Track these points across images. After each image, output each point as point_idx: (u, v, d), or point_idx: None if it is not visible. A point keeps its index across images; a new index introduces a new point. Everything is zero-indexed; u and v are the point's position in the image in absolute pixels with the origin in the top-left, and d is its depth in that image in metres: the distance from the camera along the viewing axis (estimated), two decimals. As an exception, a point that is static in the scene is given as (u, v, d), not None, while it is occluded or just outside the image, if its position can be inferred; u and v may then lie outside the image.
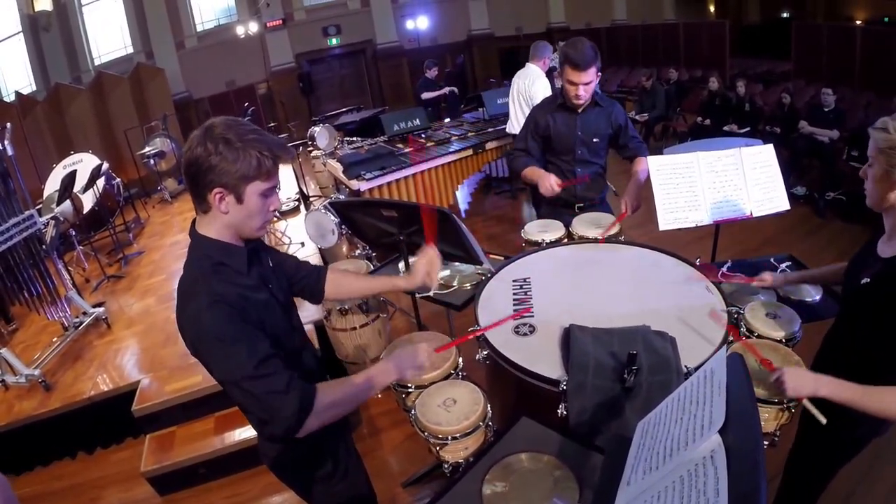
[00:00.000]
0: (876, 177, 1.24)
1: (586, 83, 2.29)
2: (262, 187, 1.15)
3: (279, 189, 1.24)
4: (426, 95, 6.97)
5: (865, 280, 1.30)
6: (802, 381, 1.23)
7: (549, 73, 4.69)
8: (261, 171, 1.13)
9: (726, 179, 2.29)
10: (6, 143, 3.31)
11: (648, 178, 2.28)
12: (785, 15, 11.67)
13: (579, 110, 2.44)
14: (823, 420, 1.24)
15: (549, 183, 2.39)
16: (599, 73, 2.34)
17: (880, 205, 1.27)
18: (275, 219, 1.35)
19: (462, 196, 5.42)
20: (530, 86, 4.25)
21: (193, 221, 1.24)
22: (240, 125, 1.13)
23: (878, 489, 2.18)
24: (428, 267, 1.59)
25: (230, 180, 1.11)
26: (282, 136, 7.39)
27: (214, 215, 1.17)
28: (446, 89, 7.07)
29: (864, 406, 1.18)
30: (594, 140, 2.49)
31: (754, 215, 2.26)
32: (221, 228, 1.19)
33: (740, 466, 0.65)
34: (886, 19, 9.57)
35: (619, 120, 2.51)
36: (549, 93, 4.21)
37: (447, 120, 6.05)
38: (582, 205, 2.59)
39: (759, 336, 1.63)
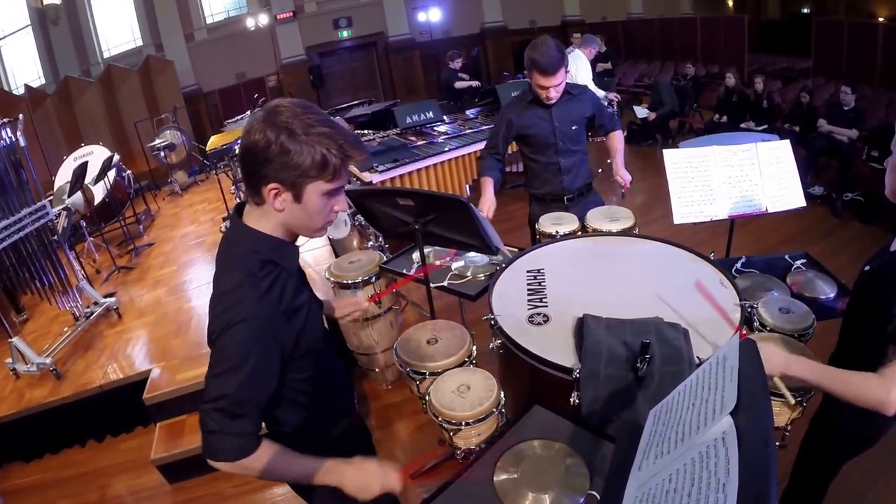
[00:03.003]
0: (892, 165, 1.27)
1: (556, 85, 2.30)
2: (325, 188, 1.02)
3: (346, 188, 1.11)
4: (459, 85, 6.80)
5: (868, 267, 1.31)
6: (772, 358, 1.23)
7: (594, 62, 4.99)
8: (325, 170, 0.99)
9: (742, 174, 2.26)
10: (18, 134, 3.33)
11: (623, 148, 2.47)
12: (805, 11, 11.45)
13: (551, 104, 2.43)
14: (792, 400, 1.28)
15: (485, 208, 2.39)
16: (568, 71, 2.34)
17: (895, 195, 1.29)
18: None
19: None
20: (577, 71, 4.53)
21: (239, 206, 1.13)
22: (308, 113, 0.99)
23: (890, 491, 2.14)
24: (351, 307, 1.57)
25: (289, 177, 0.98)
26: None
27: (267, 210, 1.05)
28: (474, 82, 6.91)
29: (831, 388, 1.18)
30: (573, 128, 2.49)
31: (770, 211, 2.22)
32: (275, 225, 1.08)
33: (751, 447, 0.64)
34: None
35: (593, 102, 2.55)
36: (590, 78, 4.77)
37: (468, 112, 5.98)
38: (571, 196, 2.58)
39: (771, 330, 1.63)
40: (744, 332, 1.51)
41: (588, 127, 2.61)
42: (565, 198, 2.58)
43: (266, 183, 1.00)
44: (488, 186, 2.50)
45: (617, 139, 2.61)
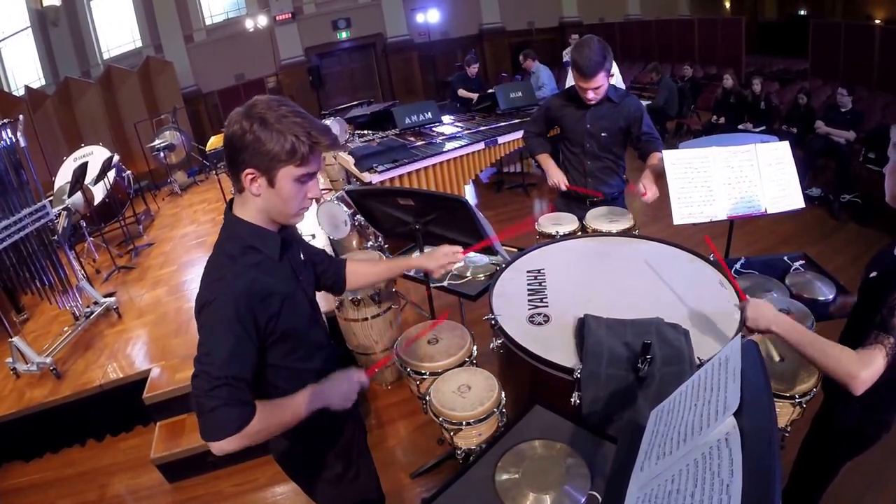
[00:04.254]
0: (891, 171, 1.28)
1: (595, 88, 2.29)
2: (296, 172, 1.10)
3: (319, 175, 1.19)
4: (462, 93, 6.63)
5: (873, 274, 1.32)
6: (761, 315, 1.29)
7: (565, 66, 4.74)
8: (294, 156, 1.08)
9: (741, 175, 2.26)
10: (19, 134, 3.33)
11: (663, 171, 2.24)
12: (802, 12, 11.48)
13: (590, 105, 2.43)
14: (776, 357, 1.32)
15: (557, 180, 2.54)
16: (611, 74, 2.33)
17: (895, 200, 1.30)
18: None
19: (471, 191, 5.41)
20: None
21: (230, 202, 1.22)
22: (281, 105, 1.08)
23: (887, 494, 2.15)
24: (450, 258, 1.59)
25: (262, 162, 1.08)
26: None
27: (248, 197, 1.14)
28: (475, 96, 6.59)
29: (810, 353, 1.21)
30: (602, 135, 2.48)
31: (769, 212, 2.23)
32: (255, 212, 1.16)
33: (755, 448, 0.65)
34: (906, 18, 9.39)
35: (633, 114, 2.46)
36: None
37: (468, 114, 5.92)
38: (595, 198, 2.58)
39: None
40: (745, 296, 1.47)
41: (626, 138, 2.52)
42: (588, 201, 2.58)
43: (243, 169, 1.09)
44: (549, 160, 2.63)
45: (655, 159, 2.37)
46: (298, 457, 1.41)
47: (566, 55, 4.75)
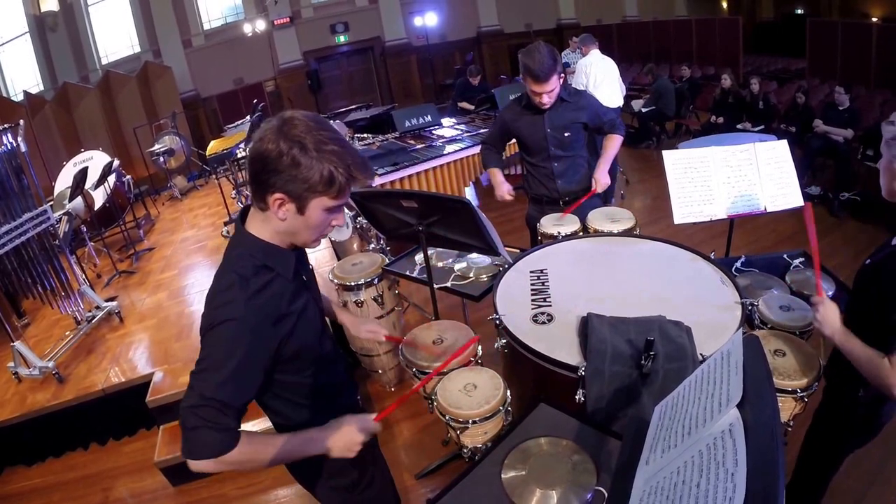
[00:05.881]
0: (884, 167, 1.32)
1: (549, 91, 2.32)
2: (329, 204, 1.06)
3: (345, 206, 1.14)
4: (464, 105, 6.61)
5: (868, 261, 1.36)
6: (830, 320, 1.34)
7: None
8: (331, 188, 1.03)
9: (741, 174, 2.28)
10: (20, 139, 3.34)
11: (614, 154, 2.45)
12: (799, 12, 11.53)
13: (544, 109, 2.45)
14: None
15: (502, 192, 2.61)
16: (562, 77, 2.37)
17: (891, 194, 1.33)
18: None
19: (471, 193, 5.42)
20: (597, 77, 4.83)
21: (243, 211, 1.17)
22: (321, 129, 1.03)
23: (889, 491, 2.16)
24: (372, 335, 1.59)
25: (296, 189, 1.02)
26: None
27: (269, 218, 1.09)
28: (472, 109, 6.52)
29: (856, 362, 1.29)
30: (565, 134, 2.50)
31: (768, 210, 2.24)
32: (273, 233, 1.11)
33: (758, 438, 0.66)
34: (903, 16, 9.43)
35: (589, 108, 2.53)
36: (616, 79, 4.94)
37: (468, 116, 5.94)
38: (567, 199, 2.61)
39: (772, 327, 1.65)
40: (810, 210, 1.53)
41: (587, 132, 2.60)
42: (561, 201, 2.61)
43: (272, 192, 1.04)
44: (498, 174, 2.68)
45: (610, 141, 2.59)
46: (311, 464, 1.33)
47: (565, 56, 4.80)
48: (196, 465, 1.06)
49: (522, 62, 2.30)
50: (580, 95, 2.57)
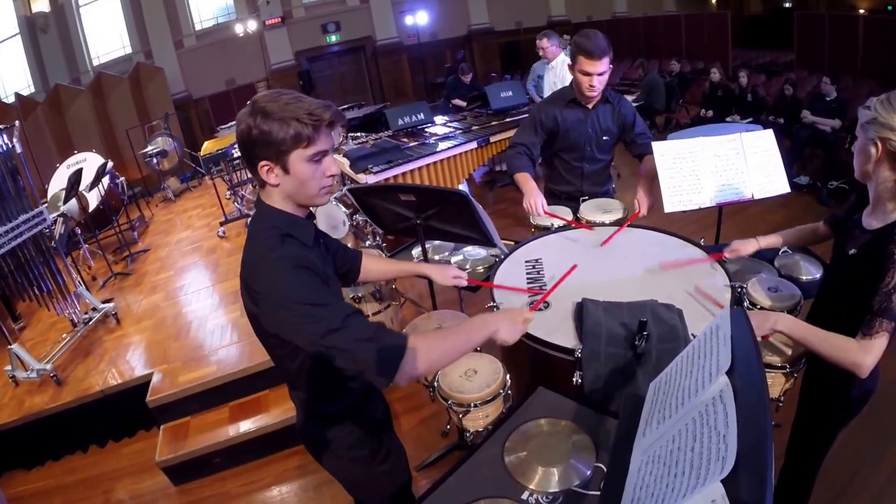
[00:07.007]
0: (858, 149, 1.35)
1: (600, 73, 2.26)
2: (305, 154, 1.12)
3: (332, 152, 1.19)
4: (457, 102, 6.68)
5: (853, 251, 1.37)
6: (763, 319, 1.34)
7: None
8: (300, 139, 1.10)
9: (728, 163, 2.31)
10: (15, 141, 3.34)
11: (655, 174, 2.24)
12: (787, 5, 11.64)
13: (590, 106, 2.43)
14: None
15: (533, 203, 2.32)
16: (612, 66, 2.32)
17: (863, 177, 1.37)
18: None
19: (464, 189, 5.44)
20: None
21: (259, 197, 1.25)
22: (281, 95, 1.12)
23: (878, 473, 2.21)
24: (457, 281, 1.72)
25: (273, 152, 1.11)
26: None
27: (270, 189, 1.18)
28: (465, 105, 6.53)
29: (813, 345, 1.28)
30: (604, 138, 2.50)
31: (756, 197, 2.28)
32: (281, 200, 1.19)
33: (747, 401, 0.69)
34: (890, 7, 9.54)
35: (627, 116, 2.49)
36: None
37: (460, 114, 5.99)
38: (586, 198, 2.61)
39: (761, 308, 1.69)
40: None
41: (620, 138, 2.55)
42: (581, 199, 2.58)
43: (258, 163, 1.13)
44: (529, 181, 2.41)
45: (648, 163, 2.41)
46: (330, 438, 1.39)
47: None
48: (402, 375, 1.10)
49: (576, 42, 2.24)
50: (622, 103, 2.49)
